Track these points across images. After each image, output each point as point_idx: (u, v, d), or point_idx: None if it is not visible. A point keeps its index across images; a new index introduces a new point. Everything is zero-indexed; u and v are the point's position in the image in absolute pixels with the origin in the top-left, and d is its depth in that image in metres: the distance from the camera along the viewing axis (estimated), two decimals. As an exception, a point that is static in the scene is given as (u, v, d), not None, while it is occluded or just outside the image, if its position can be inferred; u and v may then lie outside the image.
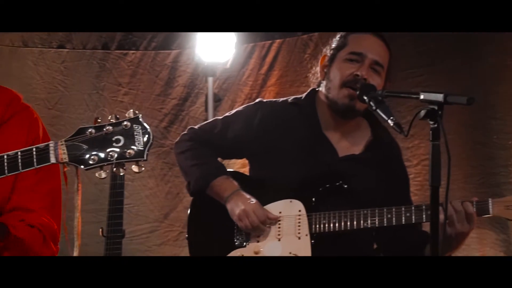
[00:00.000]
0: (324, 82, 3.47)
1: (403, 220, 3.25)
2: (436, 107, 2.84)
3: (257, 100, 3.62)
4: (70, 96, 5.68)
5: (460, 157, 4.85)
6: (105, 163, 2.33)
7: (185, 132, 3.63)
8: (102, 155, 2.33)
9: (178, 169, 5.54)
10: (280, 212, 3.37)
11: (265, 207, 3.37)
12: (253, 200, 3.35)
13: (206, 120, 5.65)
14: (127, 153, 2.34)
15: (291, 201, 3.36)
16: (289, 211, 3.36)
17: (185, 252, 5.53)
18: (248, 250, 3.38)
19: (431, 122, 2.85)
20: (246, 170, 4.93)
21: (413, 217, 3.24)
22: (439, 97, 2.85)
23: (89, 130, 2.34)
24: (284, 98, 3.60)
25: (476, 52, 4.86)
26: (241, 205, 3.33)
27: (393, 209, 3.26)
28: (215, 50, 5.12)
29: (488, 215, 3.18)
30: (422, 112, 2.86)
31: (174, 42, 5.75)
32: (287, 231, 3.34)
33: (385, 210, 3.26)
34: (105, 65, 5.70)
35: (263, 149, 3.47)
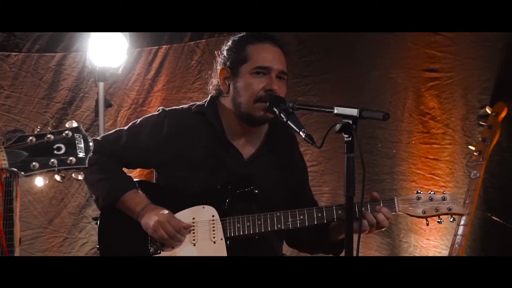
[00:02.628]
0: (228, 95, 3.54)
1: (316, 221, 3.39)
2: (350, 121, 3.01)
3: (160, 109, 3.63)
4: None
5: (347, 164, 5.06)
6: (47, 170, 2.36)
7: None
8: (43, 162, 2.36)
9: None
10: (193, 218, 3.43)
11: (178, 214, 3.43)
12: (166, 211, 3.39)
13: (93, 124, 5.64)
14: (68, 160, 2.38)
15: (203, 207, 3.44)
16: (203, 217, 3.43)
17: (69, 258, 5.50)
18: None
19: (346, 136, 3.01)
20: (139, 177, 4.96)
21: (325, 217, 3.39)
22: (354, 112, 3.01)
23: (30, 138, 2.38)
24: (187, 106, 3.65)
25: (362, 64, 5.08)
26: (154, 217, 3.37)
27: (305, 211, 3.40)
28: (107, 55, 5.06)
29: (394, 212, 3.40)
30: (338, 126, 3.02)
31: (59, 45, 5.65)
32: (202, 236, 3.41)
33: (297, 211, 3.40)
34: (-14, 66, 5.54)
35: (172, 157, 3.51)
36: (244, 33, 3.63)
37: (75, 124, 2.43)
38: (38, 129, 2.40)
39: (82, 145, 2.42)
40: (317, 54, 5.26)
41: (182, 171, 3.50)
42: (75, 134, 2.42)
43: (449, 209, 3.37)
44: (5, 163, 2.35)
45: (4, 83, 5.57)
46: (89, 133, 5.62)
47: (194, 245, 3.42)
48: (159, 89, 5.73)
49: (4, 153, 2.35)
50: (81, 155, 2.41)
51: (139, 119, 3.64)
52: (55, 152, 2.39)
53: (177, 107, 3.68)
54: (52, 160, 2.38)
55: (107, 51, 5.04)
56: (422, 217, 3.39)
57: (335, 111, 3.05)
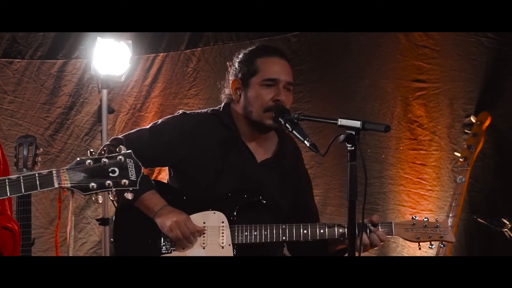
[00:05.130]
0: (240, 103, 3.81)
1: (318, 236, 3.66)
2: (353, 132, 3.26)
3: (180, 112, 3.89)
4: (-46, 103, 5.68)
5: (337, 169, 5.31)
6: (103, 190, 2.66)
7: (109, 142, 3.78)
8: (100, 183, 2.65)
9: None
10: (204, 223, 3.67)
11: (189, 216, 3.66)
12: (183, 214, 3.63)
13: (92, 129, 5.86)
14: (122, 182, 2.68)
15: (214, 213, 3.69)
16: (213, 222, 3.68)
17: (70, 257, 5.70)
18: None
19: (349, 145, 3.27)
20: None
21: (326, 233, 3.66)
22: (357, 123, 3.25)
23: (88, 162, 2.65)
24: (204, 110, 3.92)
25: (352, 74, 5.30)
26: (172, 217, 3.61)
27: (309, 226, 3.67)
28: (111, 63, 5.29)
29: (391, 235, 3.70)
30: (342, 137, 3.27)
31: (60, 52, 5.85)
32: (211, 241, 3.66)
33: (301, 226, 3.66)
34: (-10, 73, 5.73)
35: (191, 155, 3.75)
36: (254, 47, 3.92)
37: (125, 150, 2.73)
38: (93, 152, 2.69)
39: (133, 169, 2.71)
40: (309, 64, 5.46)
41: (199, 169, 3.74)
42: (127, 159, 2.70)
43: (441, 237, 3.68)
44: (67, 183, 2.62)
45: (7, 88, 5.77)
46: (89, 137, 5.86)
47: (204, 248, 3.66)
48: (156, 95, 5.95)
49: (67, 174, 2.63)
50: (133, 178, 2.70)
51: (160, 120, 3.88)
52: (110, 174, 2.66)
53: (196, 111, 3.95)
54: (108, 181, 2.66)
55: (111, 60, 5.27)
56: (416, 242, 3.69)
57: (339, 123, 3.27)
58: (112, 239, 3.78)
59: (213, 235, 3.66)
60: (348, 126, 3.26)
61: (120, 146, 2.73)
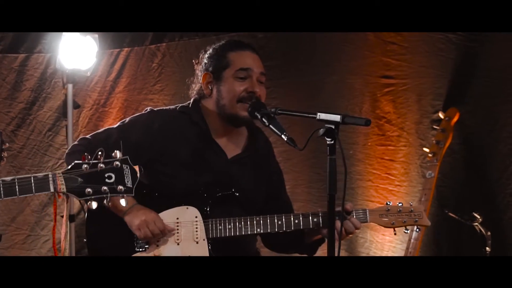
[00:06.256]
0: (211, 97, 3.77)
1: (292, 226, 3.65)
2: (333, 126, 3.27)
3: (148, 109, 3.83)
4: None
5: (305, 164, 5.32)
6: (98, 196, 2.65)
7: (77, 142, 3.75)
8: (96, 189, 2.65)
9: (25, 172, 5.66)
10: (177, 218, 3.63)
11: (162, 213, 3.63)
12: (153, 212, 3.59)
13: (55, 125, 5.77)
14: (118, 189, 2.67)
15: (187, 208, 3.65)
16: (186, 218, 3.64)
17: (33, 255, 5.62)
18: (148, 254, 3.61)
19: (328, 139, 3.27)
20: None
21: (301, 223, 3.65)
22: (337, 117, 3.26)
23: (84, 166, 2.64)
24: (172, 107, 3.86)
25: (319, 70, 5.32)
26: (141, 215, 3.56)
27: (283, 217, 3.65)
28: (77, 57, 5.22)
29: (366, 222, 3.69)
30: (321, 130, 3.27)
31: (21, 46, 5.74)
32: (185, 236, 3.62)
33: (275, 217, 3.65)
34: (-50, 67, 5.60)
35: (161, 154, 3.70)
36: (224, 42, 3.87)
37: (122, 156, 2.70)
38: (89, 156, 2.66)
39: (129, 175, 2.69)
40: (276, 60, 5.42)
41: (169, 168, 3.69)
42: (123, 165, 2.68)
43: (416, 221, 3.69)
44: (63, 188, 2.61)
45: (-32, 83, 5.66)
46: (52, 132, 5.76)
47: (178, 244, 3.62)
48: (120, 90, 5.87)
49: (63, 178, 2.61)
50: (128, 184, 2.69)
51: (128, 118, 3.81)
52: (107, 180, 2.66)
53: (163, 108, 3.88)
54: (104, 187, 2.65)
55: (77, 54, 5.20)
56: (391, 227, 3.69)
57: (318, 117, 3.27)
58: (85, 239, 3.73)
59: (187, 231, 3.62)
60: (328, 120, 3.27)
61: (116, 151, 2.68)
